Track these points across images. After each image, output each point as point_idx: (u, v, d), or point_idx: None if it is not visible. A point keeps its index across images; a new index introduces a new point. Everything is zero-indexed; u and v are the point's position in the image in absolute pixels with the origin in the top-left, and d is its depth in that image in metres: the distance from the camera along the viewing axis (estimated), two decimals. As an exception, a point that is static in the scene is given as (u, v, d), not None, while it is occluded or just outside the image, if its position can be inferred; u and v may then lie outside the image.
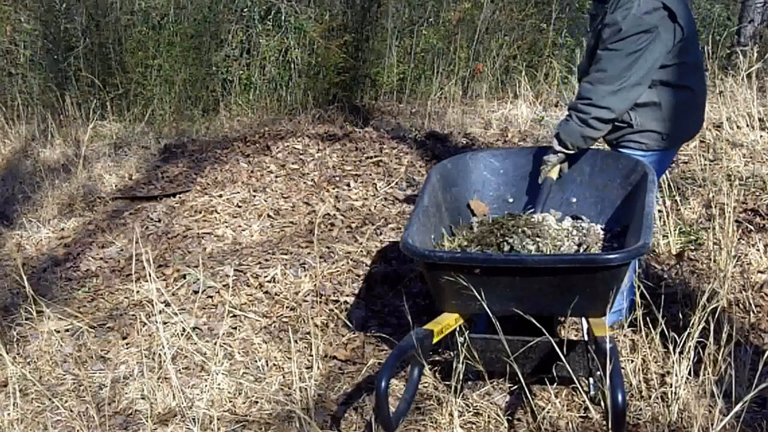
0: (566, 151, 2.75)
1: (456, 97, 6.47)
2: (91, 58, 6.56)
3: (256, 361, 2.97)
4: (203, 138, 5.97)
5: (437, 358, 2.85)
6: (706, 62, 5.74)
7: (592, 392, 2.55)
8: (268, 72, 6.78)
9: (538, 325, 2.30)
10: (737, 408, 2.14)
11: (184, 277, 3.57)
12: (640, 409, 2.51)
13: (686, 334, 2.45)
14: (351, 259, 3.66)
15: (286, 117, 6.48)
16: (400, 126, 5.97)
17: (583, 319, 2.53)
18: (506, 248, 2.59)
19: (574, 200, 2.85)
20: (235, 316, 3.26)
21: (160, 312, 2.99)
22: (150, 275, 2.99)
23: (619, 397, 1.96)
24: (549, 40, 7.12)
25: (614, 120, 2.67)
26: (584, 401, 2.51)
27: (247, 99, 6.74)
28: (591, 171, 2.84)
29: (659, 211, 3.62)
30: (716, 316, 2.52)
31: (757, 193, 3.87)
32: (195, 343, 3.01)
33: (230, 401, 2.74)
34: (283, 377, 2.86)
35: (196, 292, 3.39)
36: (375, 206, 4.29)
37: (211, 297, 3.41)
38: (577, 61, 5.87)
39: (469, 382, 2.65)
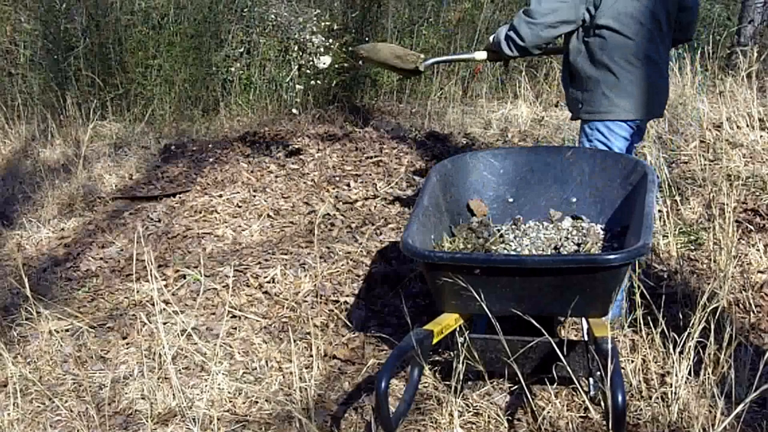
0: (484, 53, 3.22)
1: (456, 97, 6.47)
2: (91, 58, 6.56)
3: (256, 362, 2.97)
4: (203, 138, 5.98)
5: (437, 358, 2.85)
6: (706, 62, 5.74)
7: (592, 392, 2.55)
8: (268, 72, 6.78)
9: (537, 325, 2.30)
10: (738, 409, 2.14)
11: (184, 277, 3.57)
12: (640, 409, 2.51)
13: (686, 334, 2.45)
14: (351, 259, 3.66)
15: (286, 117, 6.48)
16: (400, 126, 5.97)
17: (583, 319, 2.53)
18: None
19: (574, 200, 2.85)
20: (234, 316, 3.26)
21: (160, 312, 2.99)
22: (150, 275, 2.99)
23: (620, 398, 1.96)
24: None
25: (525, 48, 2.96)
26: (584, 401, 2.51)
27: (247, 99, 6.74)
28: (591, 171, 2.84)
29: (659, 211, 3.62)
30: (716, 316, 2.52)
31: (757, 193, 3.87)
32: (195, 343, 3.01)
33: (230, 401, 2.74)
34: (283, 377, 2.86)
35: (196, 292, 3.39)
36: (375, 206, 4.29)
37: (211, 297, 3.41)
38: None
39: (469, 382, 2.65)
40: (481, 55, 3.23)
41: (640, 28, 2.88)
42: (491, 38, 3.14)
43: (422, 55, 3.28)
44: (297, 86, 6.54)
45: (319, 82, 6.65)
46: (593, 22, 2.89)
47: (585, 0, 2.85)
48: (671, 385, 2.44)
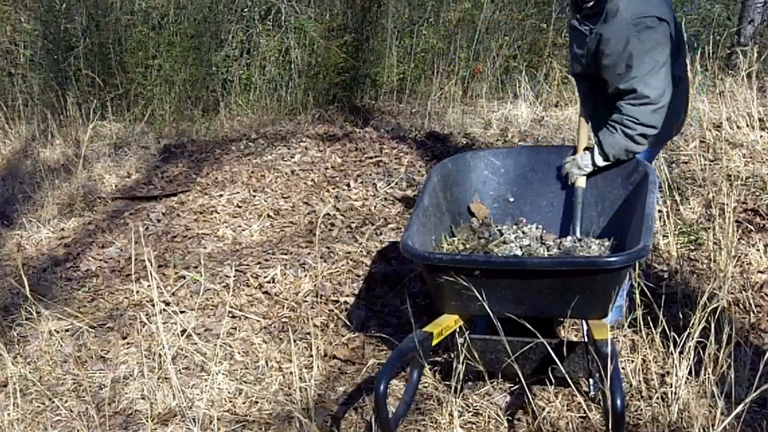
0: (605, 163, 2.73)
1: (456, 97, 6.46)
2: (91, 58, 6.55)
3: (256, 362, 2.97)
4: (203, 138, 5.97)
5: (437, 359, 2.85)
6: (706, 62, 5.74)
7: (592, 393, 2.55)
8: (268, 72, 6.78)
9: (532, 329, 2.30)
10: (738, 409, 2.14)
11: (184, 277, 3.57)
12: (640, 409, 2.51)
13: (686, 334, 2.45)
14: (351, 259, 3.66)
15: (286, 117, 6.48)
16: (400, 126, 5.96)
17: (583, 320, 2.53)
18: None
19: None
20: (234, 316, 3.26)
21: (160, 312, 2.99)
22: (150, 275, 2.99)
23: (619, 400, 1.96)
24: (549, 40, 7.11)
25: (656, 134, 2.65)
26: (584, 401, 2.51)
27: (247, 99, 6.74)
28: (592, 171, 2.83)
29: (659, 211, 3.61)
30: (716, 316, 2.52)
31: (757, 193, 3.87)
32: (195, 343, 3.01)
33: (230, 401, 2.74)
34: (283, 377, 2.86)
35: (196, 293, 3.39)
36: (375, 206, 4.29)
37: (211, 297, 3.41)
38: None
39: (469, 383, 2.65)
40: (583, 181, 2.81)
41: (683, 56, 2.81)
42: (604, 154, 2.71)
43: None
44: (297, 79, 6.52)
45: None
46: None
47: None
48: (671, 385, 2.44)
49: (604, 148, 2.69)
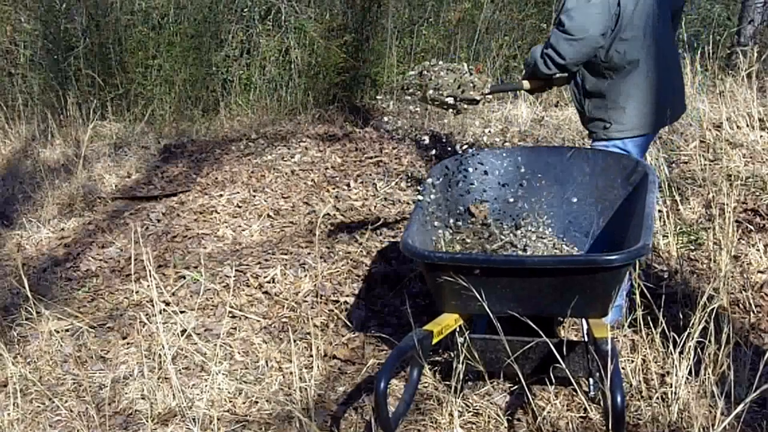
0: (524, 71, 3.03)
1: (456, 97, 6.45)
2: (91, 58, 6.56)
3: (256, 362, 2.97)
4: (203, 138, 5.98)
5: (437, 358, 2.85)
6: (706, 62, 5.74)
7: (592, 392, 2.55)
8: (268, 72, 6.78)
9: (534, 327, 2.30)
10: (738, 409, 2.14)
11: (184, 277, 3.57)
12: (640, 409, 2.51)
13: (686, 334, 2.45)
14: (351, 259, 3.66)
15: (286, 117, 6.48)
16: (400, 126, 5.96)
17: (583, 319, 2.53)
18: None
19: (575, 200, 2.85)
20: (234, 316, 3.26)
21: (160, 312, 2.99)
22: (150, 275, 2.99)
23: (619, 399, 1.96)
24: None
25: (563, 66, 2.83)
26: (584, 401, 2.51)
27: (247, 99, 6.74)
28: (592, 171, 2.83)
29: (659, 211, 3.61)
30: (716, 316, 2.52)
31: (757, 193, 3.87)
32: (195, 343, 3.01)
33: (230, 401, 2.74)
34: (283, 377, 2.86)
35: (196, 293, 3.39)
36: (375, 206, 4.29)
37: (211, 297, 3.41)
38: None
39: (469, 382, 2.65)
40: (526, 84, 3.01)
41: (654, 31, 2.82)
42: (526, 60, 3.01)
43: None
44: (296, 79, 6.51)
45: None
46: (617, 34, 2.79)
47: (611, 13, 2.74)
48: (671, 385, 2.44)
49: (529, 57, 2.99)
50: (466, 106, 2.89)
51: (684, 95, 3.09)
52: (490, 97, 2.93)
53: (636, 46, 2.80)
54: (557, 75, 2.89)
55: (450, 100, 2.83)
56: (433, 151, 5.12)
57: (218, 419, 2.59)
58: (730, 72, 5.86)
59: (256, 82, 6.77)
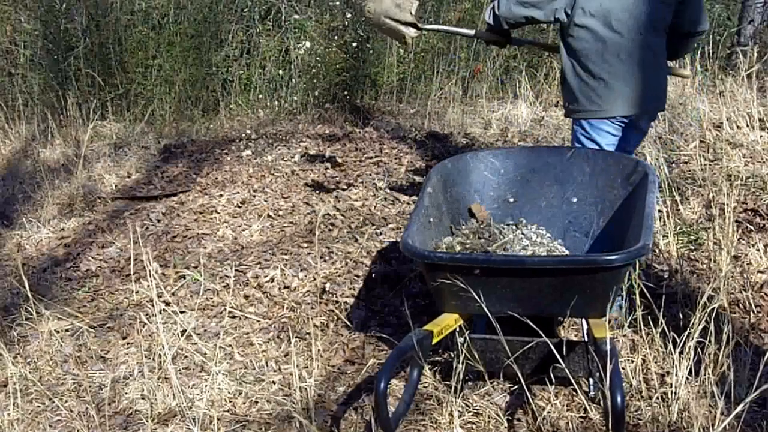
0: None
1: (456, 97, 6.46)
2: (91, 58, 6.55)
3: (255, 362, 2.97)
4: (203, 138, 5.97)
5: (437, 358, 2.85)
6: (706, 62, 5.74)
7: (592, 392, 2.55)
8: (268, 72, 6.78)
9: (534, 327, 2.30)
10: (738, 409, 2.14)
11: (184, 277, 3.57)
12: (640, 409, 2.51)
13: (686, 334, 2.45)
14: (351, 260, 3.66)
15: (286, 117, 6.48)
16: (400, 126, 5.96)
17: (583, 319, 2.53)
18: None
19: (575, 200, 2.85)
20: (234, 316, 3.26)
21: (159, 312, 2.99)
22: (150, 275, 2.99)
23: (619, 399, 1.96)
24: (549, 40, 7.11)
25: (497, 17, 3.05)
26: (584, 401, 2.51)
27: (247, 99, 6.74)
28: (592, 171, 2.84)
29: (659, 211, 3.61)
30: (716, 316, 2.52)
31: (757, 193, 3.87)
32: (195, 343, 3.01)
33: (230, 401, 2.74)
34: (283, 377, 2.86)
35: (196, 292, 3.39)
36: (375, 206, 4.29)
37: (211, 297, 3.41)
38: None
39: (469, 382, 2.65)
40: (470, 32, 3.38)
41: (621, 24, 2.87)
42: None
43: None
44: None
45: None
46: (571, 19, 2.90)
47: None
48: (671, 385, 2.44)
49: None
50: (401, 28, 3.20)
51: (660, 93, 3.05)
52: (430, 27, 3.46)
53: (593, 36, 2.90)
54: (494, 26, 3.12)
55: (386, 21, 3.17)
56: (433, 151, 5.12)
57: (218, 419, 2.59)
58: (730, 72, 5.86)
59: (256, 82, 6.77)
